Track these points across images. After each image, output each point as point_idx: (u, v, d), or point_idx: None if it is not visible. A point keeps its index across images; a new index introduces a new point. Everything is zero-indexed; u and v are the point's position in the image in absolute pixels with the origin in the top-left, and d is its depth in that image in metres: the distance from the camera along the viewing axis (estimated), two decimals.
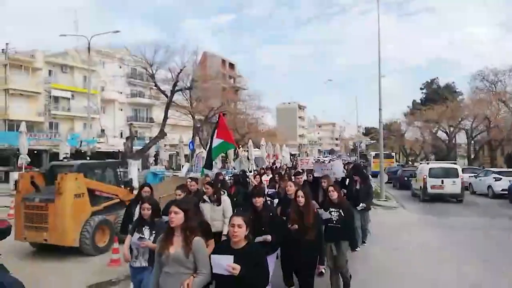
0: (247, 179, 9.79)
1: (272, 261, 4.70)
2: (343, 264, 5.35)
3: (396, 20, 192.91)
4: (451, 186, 17.18)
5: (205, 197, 5.91)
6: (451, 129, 39.34)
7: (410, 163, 43.96)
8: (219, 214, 5.76)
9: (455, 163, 20.13)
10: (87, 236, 7.46)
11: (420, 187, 18.18)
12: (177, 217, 3.17)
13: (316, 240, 4.82)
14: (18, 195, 7.86)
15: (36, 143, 28.48)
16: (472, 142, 38.45)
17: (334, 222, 5.29)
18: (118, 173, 9.49)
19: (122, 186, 9.14)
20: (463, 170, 23.68)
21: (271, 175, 10.73)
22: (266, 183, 9.72)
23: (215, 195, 5.82)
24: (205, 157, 9.25)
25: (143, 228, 4.08)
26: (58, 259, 7.22)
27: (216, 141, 8.10)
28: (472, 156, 37.62)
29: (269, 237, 4.45)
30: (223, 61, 65.02)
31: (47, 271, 6.71)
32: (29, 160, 19.58)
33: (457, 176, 17.34)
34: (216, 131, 8.14)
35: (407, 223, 12.21)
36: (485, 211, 14.84)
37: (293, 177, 8.05)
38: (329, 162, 9.78)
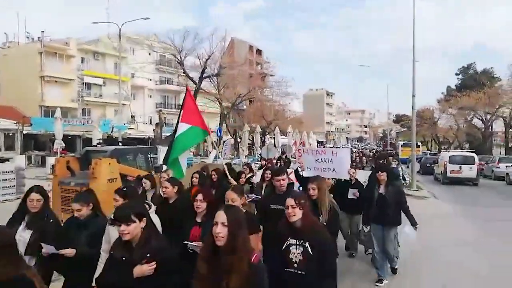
0: (228, 177, 6.15)
1: None
2: None
3: (433, 2, 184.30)
4: (468, 171, 19.76)
5: (110, 216, 3.07)
6: (488, 116, 37.59)
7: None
8: None
9: (473, 151, 22.88)
10: None
11: (441, 172, 20.92)
12: None
13: None
14: (55, 179, 8.14)
15: (70, 129, 29.49)
16: (510, 130, 36.64)
17: (295, 265, 2.84)
18: (149, 159, 9.67)
19: (153, 172, 9.32)
20: (500, 160, 23.75)
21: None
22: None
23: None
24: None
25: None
26: None
27: (182, 127, 5.71)
28: (510, 145, 35.88)
29: None
30: (251, 47, 64.64)
31: None
32: (63, 145, 20.30)
33: (473, 163, 19.92)
34: (181, 112, 5.80)
35: (440, 215, 11.77)
36: None
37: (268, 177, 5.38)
38: (331, 152, 5.67)
